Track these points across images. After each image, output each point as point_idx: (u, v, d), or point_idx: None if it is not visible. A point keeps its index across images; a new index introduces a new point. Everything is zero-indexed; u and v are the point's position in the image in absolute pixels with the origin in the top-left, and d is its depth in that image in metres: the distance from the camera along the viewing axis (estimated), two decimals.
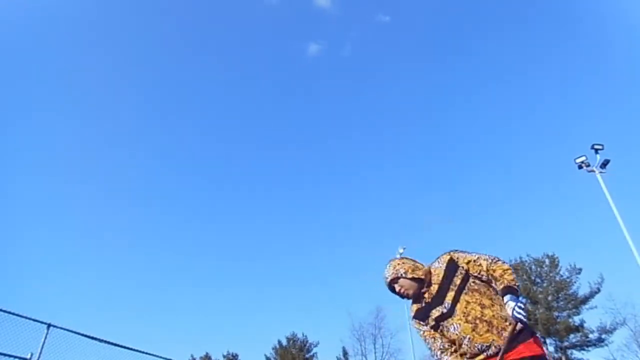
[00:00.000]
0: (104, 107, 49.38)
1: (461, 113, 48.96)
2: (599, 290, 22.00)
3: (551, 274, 23.62)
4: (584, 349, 22.04)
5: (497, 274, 1.98)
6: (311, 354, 28.53)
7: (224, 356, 29.86)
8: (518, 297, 1.87)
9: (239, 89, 52.16)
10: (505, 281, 1.93)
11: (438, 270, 2.12)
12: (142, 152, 49.95)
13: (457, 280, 2.01)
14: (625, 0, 34.43)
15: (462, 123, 48.41)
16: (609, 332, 21.50)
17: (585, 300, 22.13)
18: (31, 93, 43.59)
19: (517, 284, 1.96)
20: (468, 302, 1.94)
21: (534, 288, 23.54)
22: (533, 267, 24.36)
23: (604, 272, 22.33)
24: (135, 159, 49.02)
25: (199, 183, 49.92)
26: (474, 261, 2.07)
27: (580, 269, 23.04)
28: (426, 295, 2.09)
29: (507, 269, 1.99)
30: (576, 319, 22.28)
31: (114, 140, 48.70)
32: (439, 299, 2.03)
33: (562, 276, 23.35)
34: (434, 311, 2.03)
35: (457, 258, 2.11)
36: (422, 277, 2.12)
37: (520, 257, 24.87)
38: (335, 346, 37.07)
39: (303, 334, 29.24)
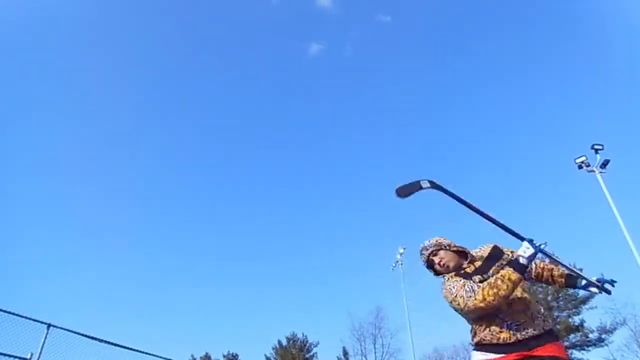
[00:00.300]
0: (104, 107, 49.39)
1: (461, 113, 48.97)
2: None
3: None
4: (584, 349, 22.05)
5: (552, 264, 2.14)
6: (311, 354, 28.53)
7: (224, 356, 29.85)
8: None
9: (239, 89, 52.11)
10: (566, 270, 2.13)
11: (481, 252, 2.11)
12: (142, 152, 49.95)
13: (503, 262, 2.01)
14: (625, 0, 34.43)
15: (462, 123, 48.44)
16: (609, 332, 21.53)
17: (585, 300, 22.13)
18: (31, 93, 43.58)
19: None
20: None
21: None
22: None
23: (604, 272, 22.12)
24: (136, 158, 49.03)
25: (199, 183, 49.96)
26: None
27: (581, 269, 23.03)
28: (467, 269, 2.03)
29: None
30: (576, 319, 22.30)
31: (114, 140, 48.71)
32: (482, 271, 1.99)
33: None
34: (475, 277, 1.95)
35: (502, 247, 2.14)
36: (466, 250, 2.11)
37: None
38: (335, 346, 37.13)
39: (303, 334, 29.26)
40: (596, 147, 13.93)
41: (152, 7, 49.76)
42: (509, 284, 1.73)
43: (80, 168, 47.81)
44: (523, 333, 1.78)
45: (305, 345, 28.65)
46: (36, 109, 42.58)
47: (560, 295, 22.83)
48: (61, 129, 46.80)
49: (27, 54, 42.51)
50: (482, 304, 1.75)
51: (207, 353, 30.15)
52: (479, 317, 1.86)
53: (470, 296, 1.80)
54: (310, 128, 52.38)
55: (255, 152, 51.16)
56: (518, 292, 1.86)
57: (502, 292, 1.73)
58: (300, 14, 50.83)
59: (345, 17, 49.20)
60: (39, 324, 6.04)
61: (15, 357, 5.77)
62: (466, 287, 1.85)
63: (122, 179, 49.53)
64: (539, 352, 1.75)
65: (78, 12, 46.27)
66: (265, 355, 29.07)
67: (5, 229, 32.79)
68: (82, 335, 6.69)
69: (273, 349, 28.93)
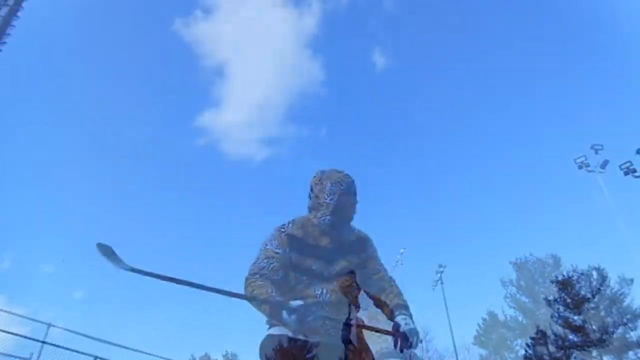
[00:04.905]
0: (106, 106, 49.36)
1: (460, 113, 48.87)
2: (599, 290, 21.91)
3: (554, 274, 23.63)
4: (584, 350, 21.96)
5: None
6: (313, 354, 28.47)
7: (223, 356, 29.88)
8: None
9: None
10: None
11: None
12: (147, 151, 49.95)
13: None
14: (625, 1, 34.36)
15: (462, 122, 48.33)
16: (610, 332, 21.43)
17: (586, 300, 22.05)
18: (32, 93, 43.58)
19: None
20: None
21: (536, 288, 23.55)
22: (536, 266, 24.40)
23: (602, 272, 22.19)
24: (136, 158, 49.11)
25: (199, 180, 50.02)
26: None
27: (577, 269, 23.00)
28: None
29: None
30: (576, 320, 22.20)
31: (114, 139, 48.76)
32: None
33: (564, 276, 23.33)
34: None
35: None
36: None
37: (525, 257, 24.98)
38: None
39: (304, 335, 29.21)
40: (596, 147, 13.94)
41: None
42: None
43: (80, 167, 47.92)
44: None
45: (306, 345, 28.64)
46: (36, 109, 42.66)
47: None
48: (62, 129, 46.93)
49: (29, 53, 42.54)
50: None
51: (206, 353, 30.20)
52: None
53: None
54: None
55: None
56: None
57: None
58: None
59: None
60: (39, 324, 6.08)
61: (15, 357, 5.80)
62: None
63: (122, 177, 49.67)
64: None
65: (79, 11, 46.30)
66: (265, 354, 29.05)
67: (6, 229, 32.91)
68: (82, 335, 6.73)
69: (273, 349, 28.92)
